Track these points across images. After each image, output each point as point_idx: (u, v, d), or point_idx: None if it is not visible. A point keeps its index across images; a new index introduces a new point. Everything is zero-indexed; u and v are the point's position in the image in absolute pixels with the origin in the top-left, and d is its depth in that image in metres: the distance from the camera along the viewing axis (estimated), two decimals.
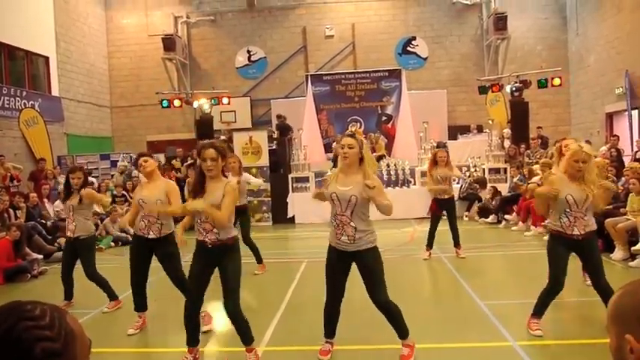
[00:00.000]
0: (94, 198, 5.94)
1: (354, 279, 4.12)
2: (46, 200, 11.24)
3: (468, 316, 5.22)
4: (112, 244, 10.72)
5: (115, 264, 8.22)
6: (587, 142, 10.74)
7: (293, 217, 13.02)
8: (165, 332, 5.24)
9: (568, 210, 4.37)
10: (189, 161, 13.75)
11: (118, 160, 15.57)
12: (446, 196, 7.90)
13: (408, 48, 18.85)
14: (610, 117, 15.94)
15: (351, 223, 3.94)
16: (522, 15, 18.16)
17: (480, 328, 4.87)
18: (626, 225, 7.31)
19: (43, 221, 10.26)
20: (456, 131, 16.89)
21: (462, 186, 12.80)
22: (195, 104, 15.62)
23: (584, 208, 4.37)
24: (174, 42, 17.92)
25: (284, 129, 14.92)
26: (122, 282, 6.16)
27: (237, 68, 19.20)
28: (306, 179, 13.27)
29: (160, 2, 18.99)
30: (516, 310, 5.26)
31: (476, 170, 13.48)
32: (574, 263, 4.77)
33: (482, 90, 16.18)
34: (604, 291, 4.36)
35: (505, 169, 13.18)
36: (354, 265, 4.07)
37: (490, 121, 15.16)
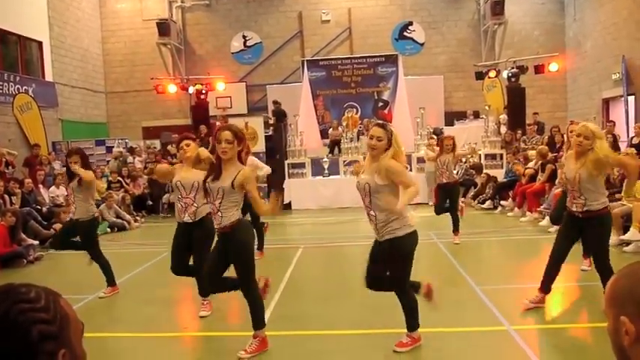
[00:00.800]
0: (92, 181, 5.82)
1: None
2: (41, 186, 11.18)
3: (463, 300, 5.24)
4: (108, 229, 10.71)
5: (110, 250, 8.18)
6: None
7: (289, 203, 13.03)
8: (169, 317, 5.25)
9: (568, 187, 4.62)
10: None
11: (113, 146, 15.50)
12: (445, 180, 8.00)
13: (405, 33, 18.71)
14: (606, 103, 15.92)
15: (371, 212, 3.83)
16: (519, 0, 18.05)
17: (475, 312, 4.90)
18: (621, 210, 7.36)
19: (39, 207, 10.23)
20: (452, 117, 16.86)
21: (457, 172, 12.79)
22: (191, 89, 15.53)
23: (578, 187, 4.44)
24: (169, 27, 17.77)
25: (280, 115, 14.86)
26: (118, 269, 6.17)
27: (232, 53, 19.04)
28: (302, 165, 13.25)
29: None
30: (512, 294, 5.29)
31: (472, 157, 13.46)
32: (574, 248, 4.81)
33: (479, 76, 16.14)
34: (602, 273, 4.43)
35: (501, 155, 13.18)
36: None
37: (487, 107, 15.13)
